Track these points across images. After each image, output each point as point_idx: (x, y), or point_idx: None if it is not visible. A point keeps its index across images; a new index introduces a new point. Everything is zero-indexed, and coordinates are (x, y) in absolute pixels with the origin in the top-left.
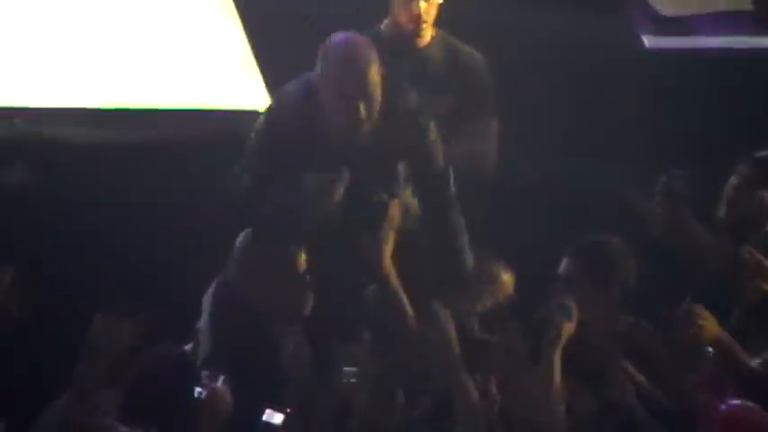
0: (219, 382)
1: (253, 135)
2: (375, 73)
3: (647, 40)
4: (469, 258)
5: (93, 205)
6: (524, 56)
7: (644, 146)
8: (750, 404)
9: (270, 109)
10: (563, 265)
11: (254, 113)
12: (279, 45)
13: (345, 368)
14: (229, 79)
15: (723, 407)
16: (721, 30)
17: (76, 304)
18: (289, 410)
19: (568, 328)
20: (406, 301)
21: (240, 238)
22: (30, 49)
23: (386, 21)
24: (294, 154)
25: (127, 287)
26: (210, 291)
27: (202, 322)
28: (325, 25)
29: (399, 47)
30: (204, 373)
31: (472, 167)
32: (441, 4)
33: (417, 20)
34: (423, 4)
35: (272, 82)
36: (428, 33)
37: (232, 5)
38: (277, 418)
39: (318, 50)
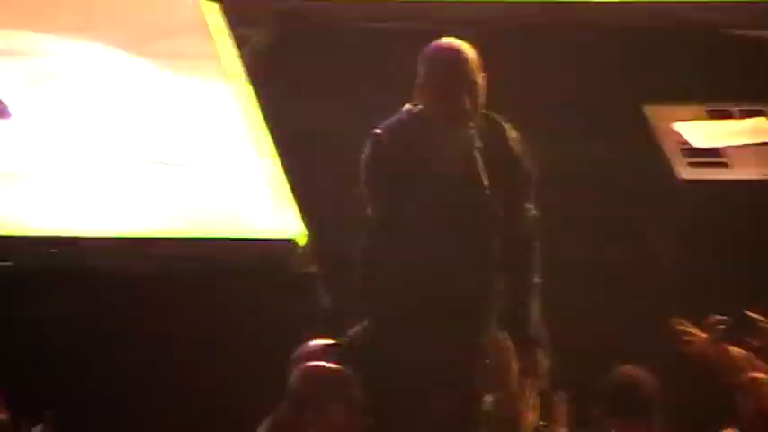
0: None
1: (362, 180)
2: (476, 70)
3: (682, 172)
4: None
5: (129, 336)
6: (563, 187)
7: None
8: None
9: (373, 143)
10: (596, 404)
11: (288, 242)
12: (313, 172)
13: None
14: (261, 208)
15: None
16: (756, 162)
17: None
18: None
19: None
20: None
21: (293, 377)
22: (64, 177)
23: None
24: (400, 181)
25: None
26: (264, 425)
27: None
28: (356, 153)
29: None
30: None
31: None
32: None
33: None
34: None
35: (304, 209)
36: None
37: (268, 134)
38: None
39: (418, 60)
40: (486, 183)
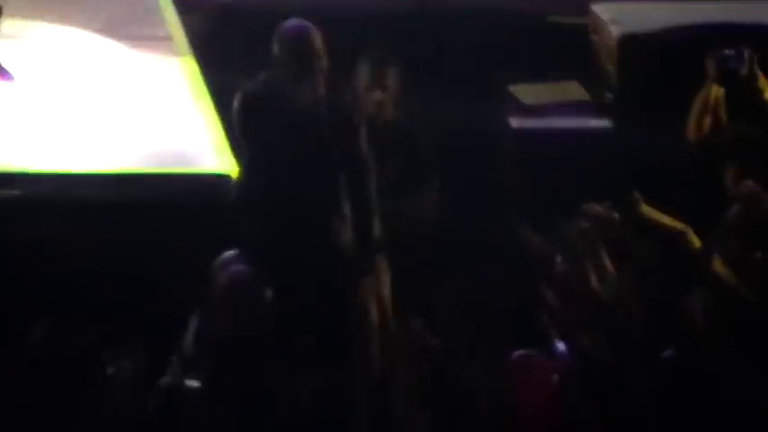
0: None
1: (235, 126)
2: (320, 42)
3: (514, 122)
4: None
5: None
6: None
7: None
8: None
9: (239, 98)
10: None
11: (224, 176)
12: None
13: None
14: (204, 151)
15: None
16: (569, 114)
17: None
18: None
19: None
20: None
21: (219, 280)
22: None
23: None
24: (262, 124)
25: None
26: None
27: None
28: None
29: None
30: None
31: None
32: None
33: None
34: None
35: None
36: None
37: (209, 97)
38: None
39: (274, 36)
40: (329, 125)
